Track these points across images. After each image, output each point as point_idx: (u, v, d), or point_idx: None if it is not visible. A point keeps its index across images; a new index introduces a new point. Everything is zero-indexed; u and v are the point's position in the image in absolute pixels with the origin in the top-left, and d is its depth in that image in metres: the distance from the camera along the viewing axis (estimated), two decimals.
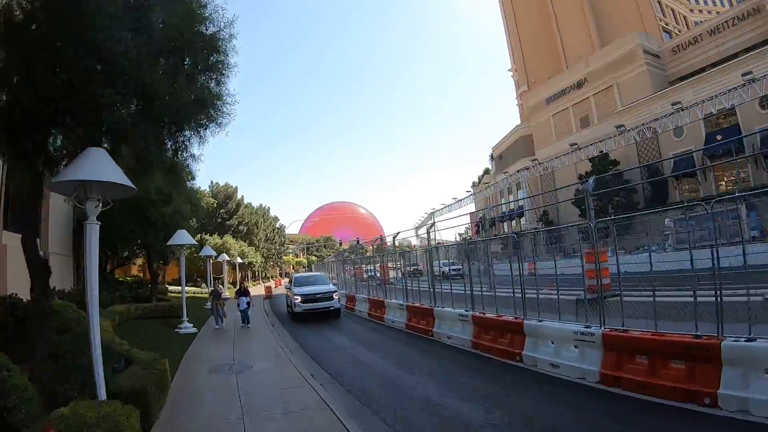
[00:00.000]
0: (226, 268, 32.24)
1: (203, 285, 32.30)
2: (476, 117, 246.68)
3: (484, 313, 9.50)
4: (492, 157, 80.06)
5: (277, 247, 71.23)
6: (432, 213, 57.97)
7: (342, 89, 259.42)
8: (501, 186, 51.08)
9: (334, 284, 20.51)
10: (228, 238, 37.94)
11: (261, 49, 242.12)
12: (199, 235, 32.69)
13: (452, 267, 15.16)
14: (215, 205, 44.06)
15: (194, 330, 14.23)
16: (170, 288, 27.50)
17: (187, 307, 14.91)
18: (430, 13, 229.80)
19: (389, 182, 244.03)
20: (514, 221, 51.19)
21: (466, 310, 10.16)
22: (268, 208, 65.49)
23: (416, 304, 12.86)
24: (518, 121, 71.82)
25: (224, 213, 45.91)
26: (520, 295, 8.54)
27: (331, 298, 16.76)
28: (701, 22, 44.44)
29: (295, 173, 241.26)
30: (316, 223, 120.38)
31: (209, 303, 17.23)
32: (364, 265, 21.40)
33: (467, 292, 10.40)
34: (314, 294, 16.76)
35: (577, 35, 52.54)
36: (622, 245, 10.56)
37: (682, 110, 30.63)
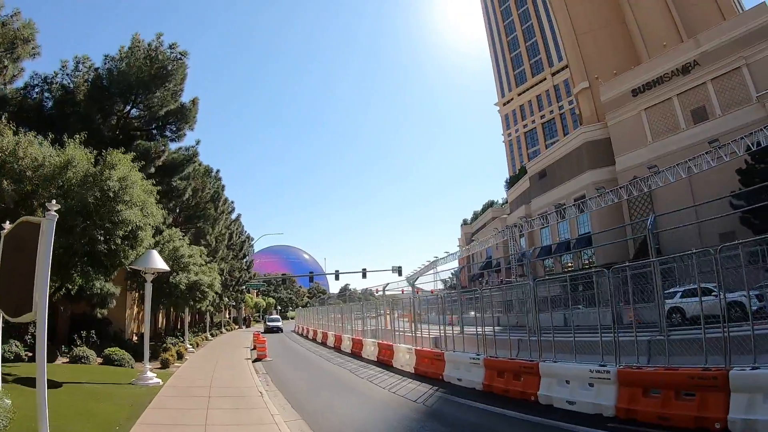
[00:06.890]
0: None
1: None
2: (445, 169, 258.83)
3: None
4: (509, 181, 66.82)
5: (244, 269, 47.10)
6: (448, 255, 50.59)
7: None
8: (546, 212, 41.42)
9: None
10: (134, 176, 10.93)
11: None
12: None
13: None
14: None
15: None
16: None
17: None
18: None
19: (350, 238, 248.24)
20: (567, 257, 43.44)
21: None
22: (233, 202, 40.42)
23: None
24: (506, 163, 68.06)
25: (137, 119, 18.04)
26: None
27: None
28: None
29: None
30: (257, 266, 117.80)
31: None
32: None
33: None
34: None
35: (655, 17, 47.14)
36: None
37: None
